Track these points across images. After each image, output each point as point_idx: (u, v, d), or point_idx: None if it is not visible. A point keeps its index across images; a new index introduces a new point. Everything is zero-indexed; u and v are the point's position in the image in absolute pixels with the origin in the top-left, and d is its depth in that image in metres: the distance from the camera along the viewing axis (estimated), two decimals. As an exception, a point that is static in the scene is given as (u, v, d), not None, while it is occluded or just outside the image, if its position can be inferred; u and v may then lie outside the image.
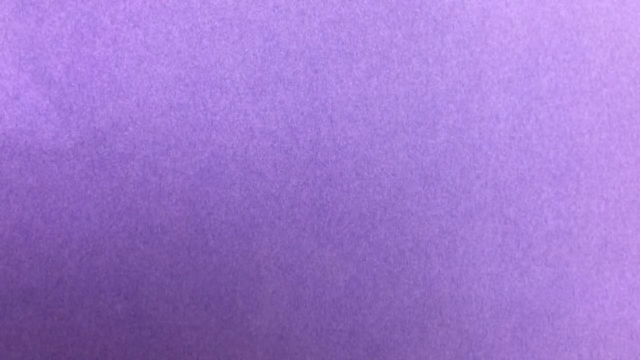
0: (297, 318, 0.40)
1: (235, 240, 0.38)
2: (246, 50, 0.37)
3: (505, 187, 0.38)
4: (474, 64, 0.38)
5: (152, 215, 0.38)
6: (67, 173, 0.37)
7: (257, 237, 0.38)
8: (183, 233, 0.38)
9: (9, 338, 0.38)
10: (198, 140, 0.38)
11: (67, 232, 0.38)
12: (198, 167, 0.38)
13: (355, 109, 0.38)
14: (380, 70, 0.38)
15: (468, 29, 0.38)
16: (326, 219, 0.38)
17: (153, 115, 0.37)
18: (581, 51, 0.38)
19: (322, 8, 0.37)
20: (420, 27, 0.38)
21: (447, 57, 0.38)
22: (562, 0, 0.38)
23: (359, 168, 0.38)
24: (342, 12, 0.37)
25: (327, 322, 0.40)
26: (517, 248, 0.39)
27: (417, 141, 0.38)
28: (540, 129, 0.38)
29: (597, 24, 0.38)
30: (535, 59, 0.38)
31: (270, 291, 0.39)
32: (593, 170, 0.39)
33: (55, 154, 0.37)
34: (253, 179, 0.38)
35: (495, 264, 0.40)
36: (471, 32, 0.38)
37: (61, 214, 0.37)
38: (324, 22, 0.37)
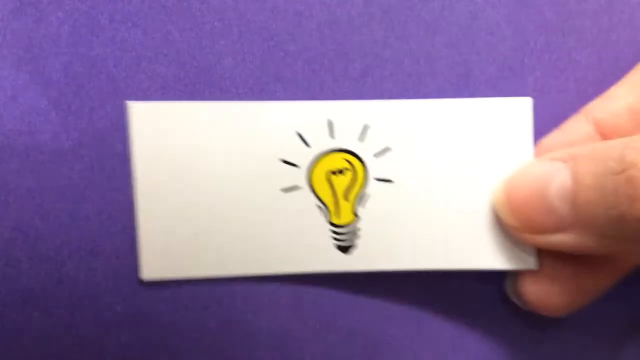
0: (297, 317, 0.40)
1: (235, 238, 0.38)
2: (246, 50, 0.37)
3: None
4: (462, 64, 0.39)
5: (151, 215, 0.38)
6: (66, 173, 0.37)
7: (256, 235, 0.39)
8: (183, 232, 0.38)
9: (9, 338, 0.38)
10: (197, 139, 0.38)
11: (67, 233, 0.37)
12: (197, 166, 0.38)
13: (352, 107, 0.39)
14: (375, 70, 0.39)
15: (457, 30, 0.39)
16: (324, 216, 0.39)
17: (152, 115, 0.37)
18: (566, 52, 0.40)
19: (319, 10, 0.38)
20: (412, 28, 0.39)
21: (436, 58, 0.39)
22: (548, 2, 0.39)
23: (355, 165, 0.39)
24: (338, 13, 0.38)
25: (326, 320, 0.40)
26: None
27: (412, 139, 0.39)
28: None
29: (583, 25, 0.39)
30: (521, 60, 0.39)
31: (270, 291, 0.39)
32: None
33: (54, 154, 0.37)
34: (252, 178, 0.38)
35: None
36: (460, 34, 0.39)
37: (60, 215, 0.37)
38: (320, 23, 0.38)
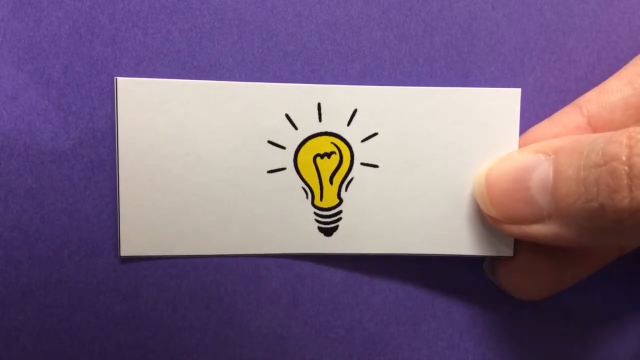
0: (296, 316, 0.40)
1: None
2: (245, 50, 0.37)
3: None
4: (461, 64, 0.39)
5: (151, 215, 0.38)
6: (66, 173, 0.37)
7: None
8: (183, 232, 0.38)
9: (9, 338, 0.38)
10: (197, 139, 0.38)
11: (66, 233, 0.37)
12: (197, 166, 0.38)
13: (351, 107, 0.39)
14: (374, 70, 0.39)
15: (456, 30, 0.39)
16: (324, 216, 0.39)
17: (152, 115, 0.37)
18: (567, 51, 0.40)
19: (318, 10, 0.38)
20: (411, 28, 0.39)
21: (435, 58, 0.39)
22: (548, 2, 0.39)
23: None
24: (338, 14, 0.38)
25: (325, 319, 0.40)
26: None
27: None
28: (527, 127, 0.39)
29: (583, 25, 0.39)
30: (521, 59, 0.39)
31: (270, 291, 0.39)
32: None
33: (53, 155, 0.37)
34: (252, 178, 0.38)
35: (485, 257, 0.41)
36: (459, 34, 0.39)
37: (60, 215, 0.37)
38: (320, 23, 0.38)
